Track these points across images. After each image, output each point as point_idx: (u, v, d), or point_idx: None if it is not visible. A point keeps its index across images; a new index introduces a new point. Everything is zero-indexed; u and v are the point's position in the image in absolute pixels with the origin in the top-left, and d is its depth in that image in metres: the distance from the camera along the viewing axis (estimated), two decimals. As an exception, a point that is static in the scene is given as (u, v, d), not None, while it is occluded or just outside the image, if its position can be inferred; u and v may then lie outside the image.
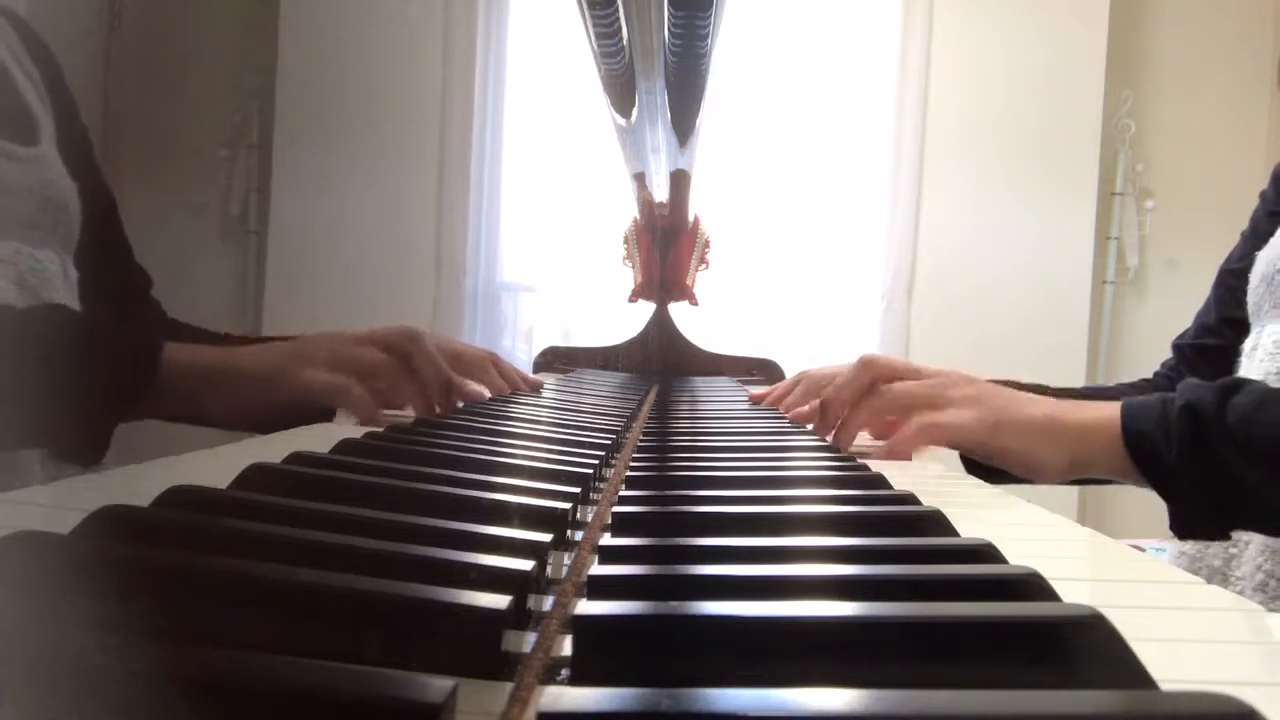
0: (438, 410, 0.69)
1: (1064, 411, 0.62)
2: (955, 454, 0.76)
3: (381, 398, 0.72)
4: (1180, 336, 0.94)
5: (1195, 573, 0.75)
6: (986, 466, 0.73)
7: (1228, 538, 0.60)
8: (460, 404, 0.70)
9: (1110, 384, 0.98)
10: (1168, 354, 0.97)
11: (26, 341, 0.55)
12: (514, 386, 0.85)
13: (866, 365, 0.69)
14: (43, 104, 0.72)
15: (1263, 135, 2.51)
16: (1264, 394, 0.56)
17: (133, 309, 0.86)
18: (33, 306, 0.63)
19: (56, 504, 0.33)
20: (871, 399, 0.68)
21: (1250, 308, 0.78)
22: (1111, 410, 0.61)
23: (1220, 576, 0.73)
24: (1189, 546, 0.78)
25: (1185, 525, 0.59)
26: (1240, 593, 0.72)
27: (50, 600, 0.21)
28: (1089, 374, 2.45)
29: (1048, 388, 0.83)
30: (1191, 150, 2.53)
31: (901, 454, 0.70)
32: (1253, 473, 0.55)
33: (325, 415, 0.68)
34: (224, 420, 0.64)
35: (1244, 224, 0.90)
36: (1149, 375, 0.96)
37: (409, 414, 0.69)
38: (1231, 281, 0.84)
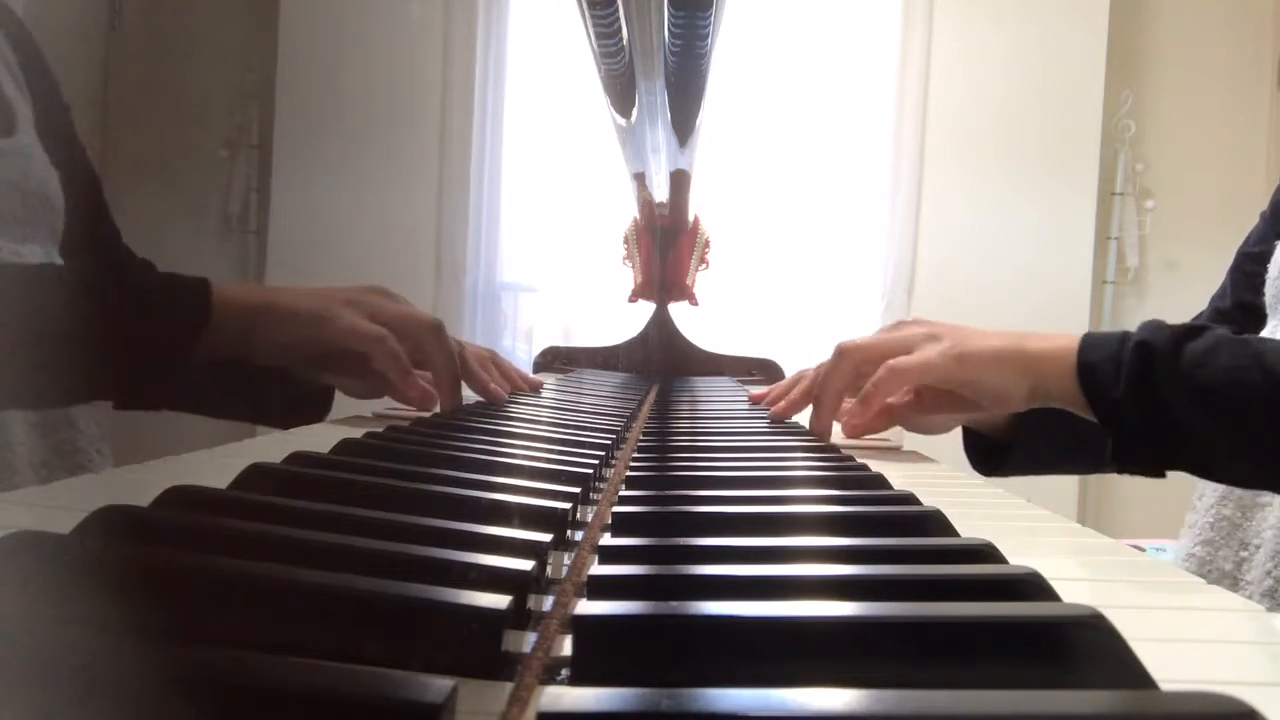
0: (441, 406, 0.70)
1: (1025, 340, 0.63)
2: (960, 452, 0.76)
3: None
4: (1196, 320, 0.93)
5: (1204, 576, 0.75)
6: (989, 460, 0.73)
7: (1163, 476, 0.60)
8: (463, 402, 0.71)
9: None
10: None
11: (75, 295, 0.56)
12: (514, 386, 0.85)
13: (845, 353, 0.70)
14: (19, 90, 0.70)
15: (1263, 135, 2.51)
16: (1220, 340, 0.57)
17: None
18: (76, 260, 0.65)
19: (56, 504, 0.33)
20: (835, 365, 0.69)
21: (1269, 299, 0.77)
22: (1070, 340, 0.62)
23: (1231, 581, 0.73)
24: (1198, 549, 0.77)
25: (1124, 459, 0.59)
26: (1249, 597, 0.72)
27: (50, 600, 0.21)
28: (1089, 374, 2.44)
29: None
30: (1191, 150, 2.53)
31: (878, 425, 0.71)
32: (1195, 416, 0.55)
33: (348, 376, 0.71)
34: (271, 356, 0.66)
35: (1244, 223, 0.89)
36: None
37: (409, 414, 0.69)
38: (1249, 266, 0.83)
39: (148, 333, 0.58)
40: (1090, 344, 0.60)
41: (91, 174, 0.79)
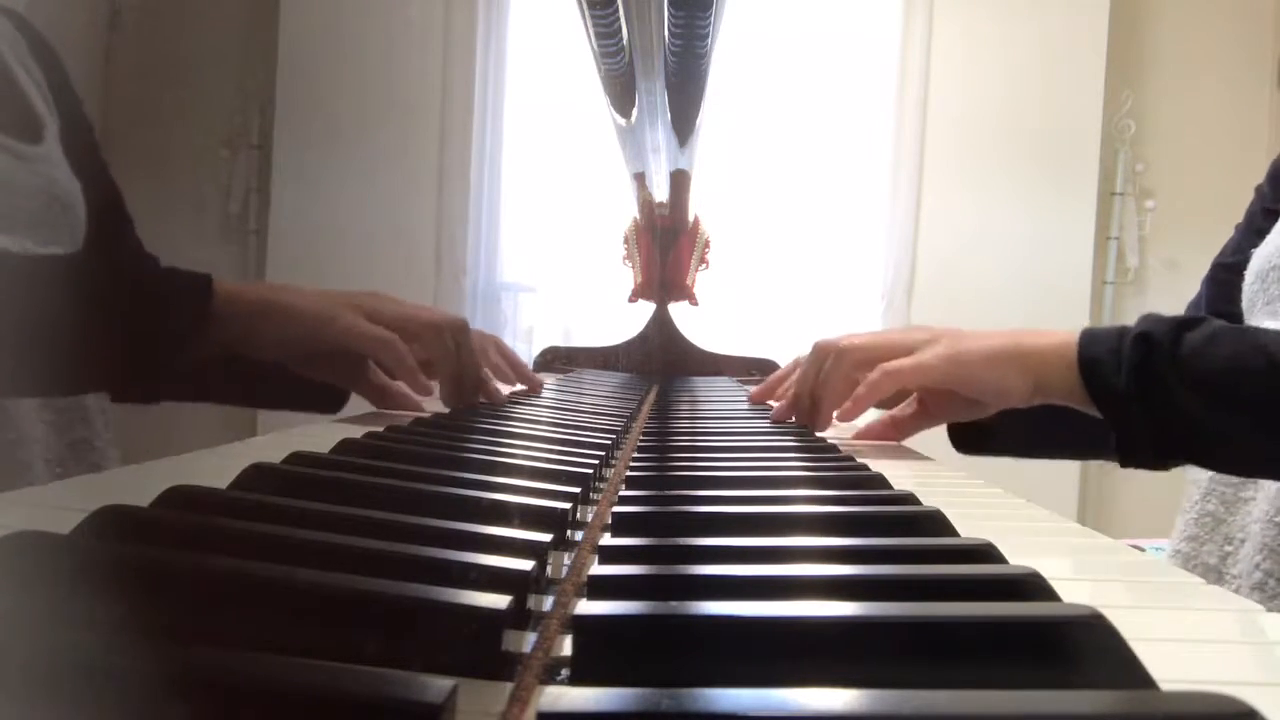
0: (458, 403, 0.71)
1: (1024, 337, 0.63)
2: (946, 445, 0.77)
3: (389, 401, 0.73)
4: None
5: (1189, 570, 0.75)
6: (970, 438, 0.74)
7: (1167, 469, 0.60)
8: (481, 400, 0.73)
9: None
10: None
11: (78, 289, 0.56)
12: (520, 376, 0.86)
13: (845, 352, 0.70)
14: (46, 103, 0.73)
15: (1263, 135, 2.51)
16: (1218, 329, 0.57)
17: None
18: (77, 253, 0.65)
19: (56, 504, 0.33)
20: (835, 365, 0.70)
21: (1244, 304, 0.78)
22: (1069, 336, 0.62)
23: (1215, 574, 0.73)
24: (1183, 544, 0.78)
25: (1129, 453, 0.59)
26: (1236, 591, 0.72)
27: (50, 600, 0.21)
28: (1089, 374, 2.45)
29: None
30: (1191, 150, 2.52)
31: (890, 434, 0.71)
32: (1197, 405, 0.55)
33: (351, 380, 0.71)
34: (271, 353, 0.66)
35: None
36: None
37: (408, 414, 0.69)
38: (1224, 276, 0.84)
39: (148, 325, 0.59)
40: (1090, 338, 0.60)
41: (113, 187, 0.81)
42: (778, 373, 0.92)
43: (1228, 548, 0.73)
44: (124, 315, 0.58)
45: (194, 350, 0.61)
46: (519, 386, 0.89)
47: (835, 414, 0.71)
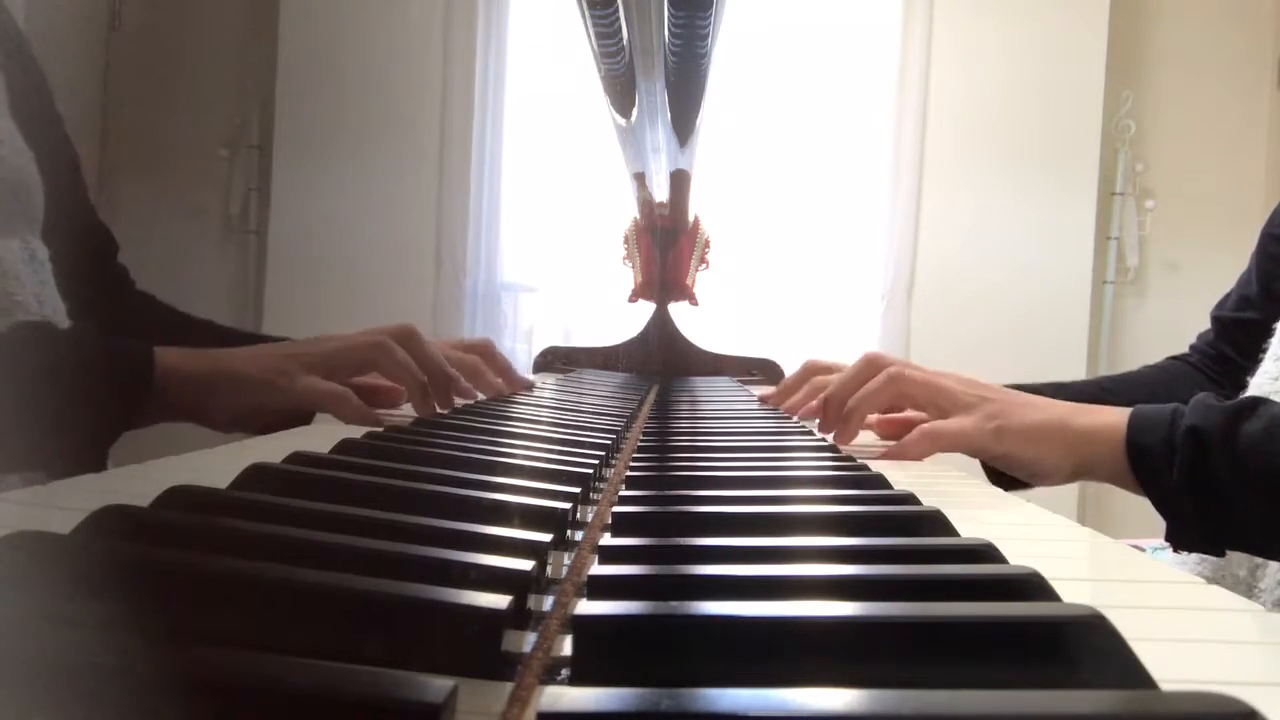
0: (436, 408, 0.69)
1: (1069, 415, 0.61)
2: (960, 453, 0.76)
3: (378, 400, 0.72)
4: (1220, 305, 0.90)
5: (1218, 581, 0.75)
6: (1010, 476, 0.72)
7: (1222, 554, 0.59)
8: (460, 402, 0.71)
9: (1136, 368, 0.95)
10: (1169, 354, 0.95)
11: (12, 364, 0.54)
12: (511, 384, 0.84)
13: (893, 379, 0.67)
14: None
15: (1263, 135, 2.51)
16: (1275, 417, 0.55)
17: (101, 275, 0.83)
18: (13, 326, 0.61)
19: (56, 504, 0.33)
20: (879, 387, 0.67)
21: None
22: (1118, 417, 0.60)
23: (1245, 588, 0.72)
24: (1208, 556, 0.76)
25: (1181, 540, 0.58)
26: (1263, 604, 0.71)
27: (50, 600, 0.21)
28: (1089, 373, 2.44)
29: (1072, 384, 0.81)
30: (1191, 150, 2.52)
31: (910, 458, 0.70)
32: (1255, 502, 0.54)
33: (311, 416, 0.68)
34: (221, 424, 0.64)
35: (1244, 223, 0.89)
36: (1175, 354, 0.93)
37: (406, 414, 0.69)
38: (1274, 248, 0.81)
39: (83, 406, 0.55)
40: (1140, 424, 0.58)
41: (69, 149, 0.76)
42: (790, 378, 0.90)
43: (1258, 561, 0.72)
44: (56, 396, 0.54)
45: (135, 426, 0.59)
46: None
47: (834, 436, 0.69)
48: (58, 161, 0.72)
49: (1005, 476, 0.71)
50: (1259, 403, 0.57)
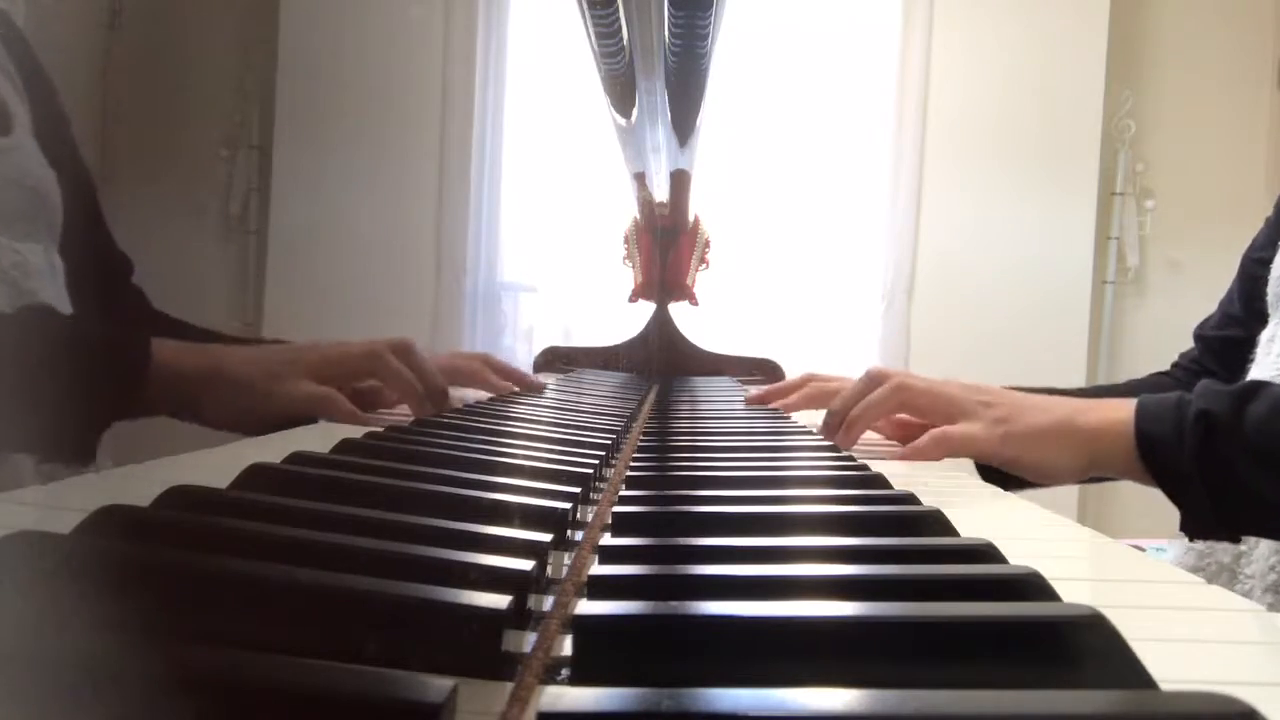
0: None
1: (1076, 414, 0.62)
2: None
3: (370, 403, 0.72)
4: (1202, 325, 0.92)
5: (1203, 569, 0.74)
6: (1002, 473, 0.72)
7: (1238, 541, 0.59)
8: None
9: (1122, 381, 0.96)
10: (1169, 354, 0.95)
11: (11, 345, 0.54)
12: (515, 380, 0.85)
13: (899, 388, 0.66)
14: (17, 93, 0.70)
15: (1263, 135, 2.51)
16: (1278, 400, 0.55)
17: (115, 296, 0.84)
18: (17, 309, 0.62)
19: (56, 504, 0.33)
20: (885, 396, 0.66)
21: (1270, 298, 0.77)
22: (1125, 411, 0.60)
23: (1229, 574, 0.73)
24: (1197, 543, 0.77)
25: (1195, 527, 0.58)
26: (1248, 591, 0.72)
27: (50, 600, 0.20)
28: (1089, 374, 2.45)
29: (1065, 390, 0.82)
30: (1191, 150, 2.52)
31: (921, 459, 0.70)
32: (1267, 482, 0.54)
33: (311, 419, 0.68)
34: (215, 421, 0.65)
35: (1245, 223, 0.90)
36: (1160, 370, 0.94)
37: (405, 415, 0.69)
38: (1255, 270, 0.82)
39: (76, 395, 0.56)
40: (1147, 414, 0.59)
41: (88, 177, 0.79)
42: (783, 383, 0.90)
43: (1242, 548, 0.73)
44: (52, 379, 0.55)
45: (128, 416, 0.60)
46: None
47: (837, 438, 0.69)
48: (76, 186, 0.74)
49: (1005, 475, 0.71)
50: (1261, 385, 0.57)
